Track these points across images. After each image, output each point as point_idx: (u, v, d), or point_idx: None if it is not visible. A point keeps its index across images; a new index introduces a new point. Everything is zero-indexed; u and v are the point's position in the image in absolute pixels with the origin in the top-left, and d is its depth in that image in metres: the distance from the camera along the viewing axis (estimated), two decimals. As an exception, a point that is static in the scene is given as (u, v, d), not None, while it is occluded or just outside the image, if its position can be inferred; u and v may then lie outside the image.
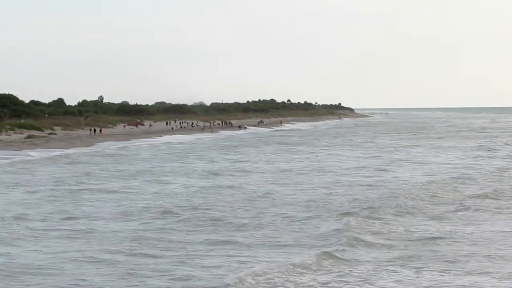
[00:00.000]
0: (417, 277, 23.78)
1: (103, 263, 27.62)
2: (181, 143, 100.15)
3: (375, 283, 22.90)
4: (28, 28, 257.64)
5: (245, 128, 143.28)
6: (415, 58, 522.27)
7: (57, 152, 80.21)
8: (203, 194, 45.03)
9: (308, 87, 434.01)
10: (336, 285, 23.47)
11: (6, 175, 56.62)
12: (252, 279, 23.49)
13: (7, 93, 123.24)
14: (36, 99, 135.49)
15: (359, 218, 35.55)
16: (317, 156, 78.28)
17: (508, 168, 61.25)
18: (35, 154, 77.04)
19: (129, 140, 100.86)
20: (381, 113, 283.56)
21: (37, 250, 30.63)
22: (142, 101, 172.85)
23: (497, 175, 55.66)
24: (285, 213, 37.39)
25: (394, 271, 24.48)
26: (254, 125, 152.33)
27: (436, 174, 59.60)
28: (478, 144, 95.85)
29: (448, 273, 24.34)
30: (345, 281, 23.91)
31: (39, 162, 68.57)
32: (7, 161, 69.14)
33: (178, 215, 37.18)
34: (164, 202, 41.51)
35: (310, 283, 23.72)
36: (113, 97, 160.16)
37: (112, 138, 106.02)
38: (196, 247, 30.15)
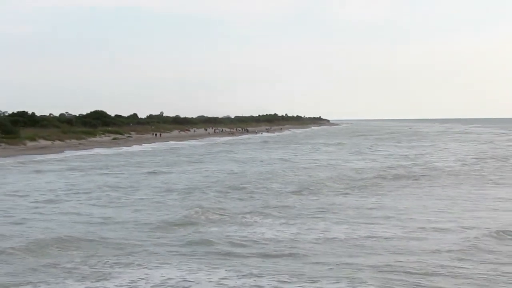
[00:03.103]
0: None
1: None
2: (217, 143, 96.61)
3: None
4: (108, 62, 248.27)
5: (256, 132, 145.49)
6: (385, 77, 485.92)
7: (134, 147, 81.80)
8: (238, 171, 45.01)
9: (298, 104, 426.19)
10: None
11: (111, 160, 57.09)
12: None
13: (99, 109, 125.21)
14: (118, 113, 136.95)
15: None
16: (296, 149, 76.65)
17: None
18: (120, 149, 78.32)
19: (182, 141, 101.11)
20: (347, 123, 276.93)
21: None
22: (188, 115, 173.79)
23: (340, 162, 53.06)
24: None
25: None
26: (263, 131, 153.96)
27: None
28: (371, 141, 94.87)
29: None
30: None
31: (125, 154, 68.70)
32: (108, 152, 70.20)
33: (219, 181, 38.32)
34: (213, 178, 40.54)
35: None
36: (169, 112, 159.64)
37: (170, 139, 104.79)
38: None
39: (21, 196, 31.43)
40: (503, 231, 20.39)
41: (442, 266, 16.10)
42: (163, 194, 32.13)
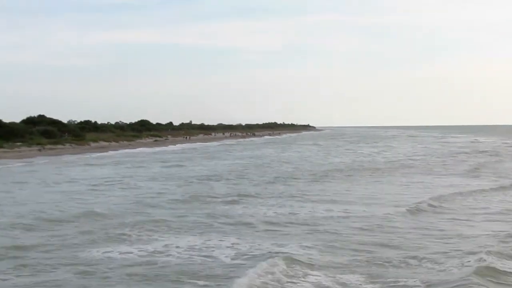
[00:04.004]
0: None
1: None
2: (234, 143, 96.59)
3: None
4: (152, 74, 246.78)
5: (261, 136, 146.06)
6: (362, 94, 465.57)
7: (169, 147, 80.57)
8: (243, 164, 44.31)
9: (292, 115, 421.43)
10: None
11: (155, 156, 56.50)
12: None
13: (144, 119, 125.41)
14: (158, 122, 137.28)
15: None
16: (288, 147, 74.35)
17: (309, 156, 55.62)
18: (160, 148, 77.71)
19: (206, 142, 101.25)
20: (329, 129, 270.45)
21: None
22: (210, 123, 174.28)
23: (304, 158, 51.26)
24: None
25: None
26: (266, 135, 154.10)
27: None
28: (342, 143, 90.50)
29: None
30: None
31: (166, 152, 67.44)
32: (150, 151, 69.38)
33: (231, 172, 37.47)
34: (226, 168, 40.59)
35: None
36: (196, 121, 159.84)
37: (196, 141, 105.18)
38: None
39: (81, 180, 31.13)
40: (417, 209, 19.73)
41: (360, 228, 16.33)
42: (200, 179, 31.89)
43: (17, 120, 78.28)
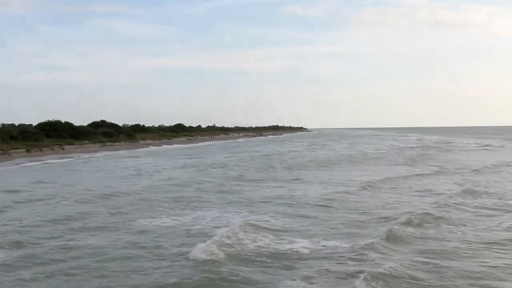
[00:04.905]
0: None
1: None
2: (245, 140, 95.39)
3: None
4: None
5: (266, 136, 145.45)
6: (347, 99, 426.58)
7: (200, 143, 79.01)
8: (248, 158, 42.32)
9: (289, 118, 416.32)
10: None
11: (191, 151, 54.99)
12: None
13: (180, 122, 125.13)
14: (191, 125, 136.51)
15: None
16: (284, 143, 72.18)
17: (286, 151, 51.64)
18: (193, 144, 76.58)
19: (226, 140, 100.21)
20: (317, 130, 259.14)
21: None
22: (230, 125, 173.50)
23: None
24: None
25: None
26: (269, 135, 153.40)
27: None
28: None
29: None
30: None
31: (198, 148, 64.96)
32: (187, 146, 68.65)
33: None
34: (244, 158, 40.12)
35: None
36: (219, 124, 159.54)
37: (219, 139, 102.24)
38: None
39: (131, 168, 31.17)
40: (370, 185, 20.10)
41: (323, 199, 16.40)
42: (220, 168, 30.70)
43: (85, 123, 78.71)
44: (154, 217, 13.90)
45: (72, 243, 10.90)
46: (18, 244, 10.67)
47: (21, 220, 13.62)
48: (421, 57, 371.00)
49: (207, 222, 13.08)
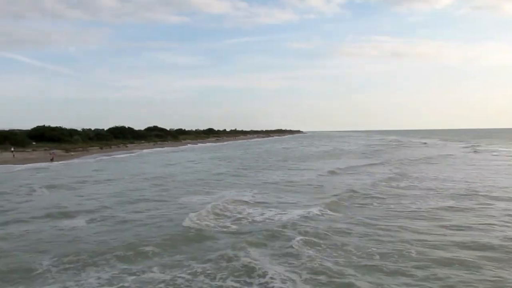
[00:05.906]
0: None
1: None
2: (256, 141, 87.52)
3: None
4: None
5: (273, 136, 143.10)
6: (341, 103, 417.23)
7: (225, 142, 77.69)
8: (256, 154, 39.88)
9: (291, 122, 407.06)
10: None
11: (216, 148, 54.27)
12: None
13: (210, 127, 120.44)
14: (219, 128, 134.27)
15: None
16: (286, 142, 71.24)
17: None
18: (220, 143, 72.74)
19: (241, 140, 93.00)
20: (312, 133, 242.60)
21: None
22: (246, 129, 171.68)
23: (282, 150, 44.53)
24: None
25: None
26: (275, 136, 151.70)
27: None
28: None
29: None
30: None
31: (223, 145, 62.81)
32: (215, 145, 66.63)
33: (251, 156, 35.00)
34: (254, 153, 39.02)
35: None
36: (239, 128, 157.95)
37: (239, 139, 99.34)
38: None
39: (173, 159, 30.97)
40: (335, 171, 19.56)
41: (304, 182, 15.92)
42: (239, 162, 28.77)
43: (142, 128, 79.85)
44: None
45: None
46: (102, 207, 11.44)
47: (98, 191, 14.64)
48: (387, 77, 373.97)
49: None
